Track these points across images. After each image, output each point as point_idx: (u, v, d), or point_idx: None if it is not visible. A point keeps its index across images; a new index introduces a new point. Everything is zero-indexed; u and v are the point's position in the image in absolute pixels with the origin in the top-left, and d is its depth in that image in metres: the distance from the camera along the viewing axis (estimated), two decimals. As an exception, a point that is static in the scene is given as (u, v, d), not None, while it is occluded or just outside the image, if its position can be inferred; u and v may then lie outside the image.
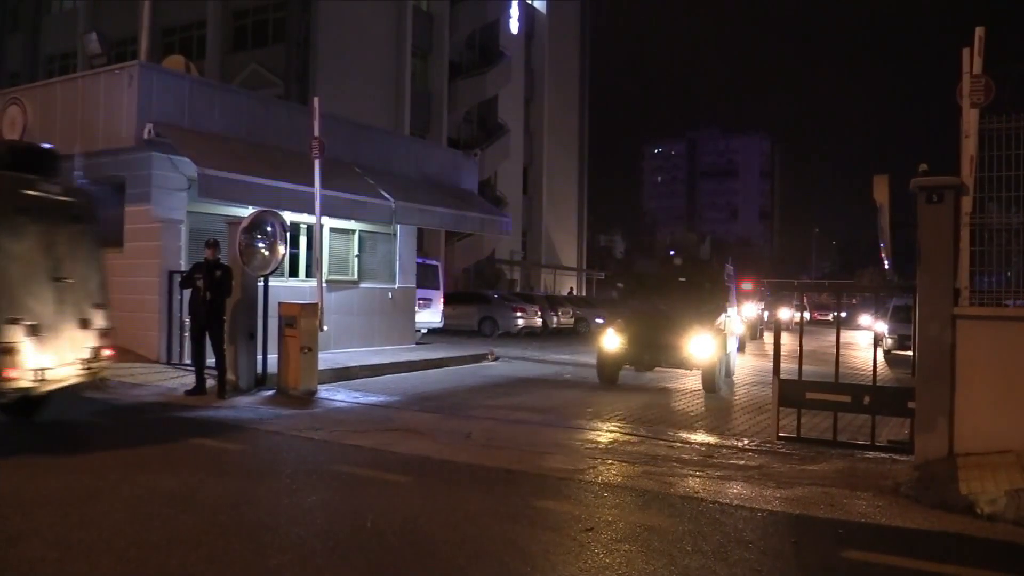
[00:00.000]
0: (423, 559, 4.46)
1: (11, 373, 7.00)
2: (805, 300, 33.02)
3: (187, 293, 10.79)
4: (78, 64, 30.43)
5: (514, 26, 40.33)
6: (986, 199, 6.93)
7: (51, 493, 5.49)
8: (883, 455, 7.52)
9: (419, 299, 19.19)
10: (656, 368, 13.34)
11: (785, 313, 22.55)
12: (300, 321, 10.69)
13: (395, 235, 17.52)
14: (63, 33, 33.92)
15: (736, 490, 6.20)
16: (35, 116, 13.68)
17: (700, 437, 8.58)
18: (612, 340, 12.62)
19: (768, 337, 25.64)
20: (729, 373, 13.97)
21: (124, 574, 4.07)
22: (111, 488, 5.69)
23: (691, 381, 13.44)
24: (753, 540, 4.93)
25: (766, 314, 25.70)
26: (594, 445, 7.91)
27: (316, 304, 11.22)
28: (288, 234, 11.23)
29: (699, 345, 12.06)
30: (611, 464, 7.04)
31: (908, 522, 5.47)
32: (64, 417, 8.47)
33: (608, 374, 12.92)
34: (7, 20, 36.45)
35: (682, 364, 12.53)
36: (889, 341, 19.56)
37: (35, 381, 7.22)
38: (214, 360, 10.38)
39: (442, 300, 21.83)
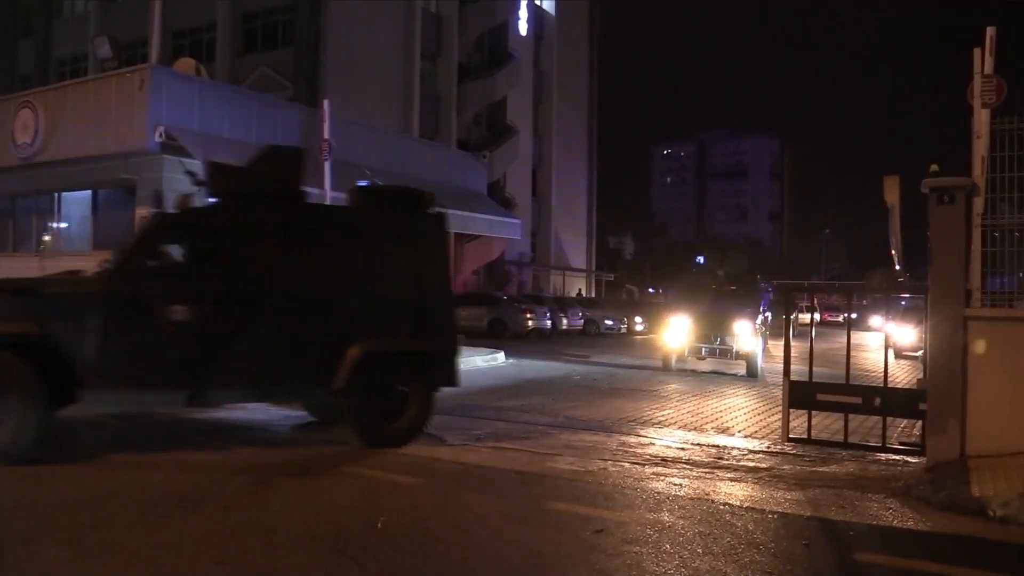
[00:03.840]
0: (433, 560, 4.47)
1: None
2: (815, 301, 32.83)
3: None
4: (89, 68, 30.65)
5: (523, 28, 40.37)
6: (998, 200, 6.90)
7: (63, 494, 5.53)
8: (894, 457, 7.49)
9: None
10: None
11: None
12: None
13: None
14: (74, 37, 34.13)
15: (747, 492, 6.18)
16: (47, 119, 13.78)
17: (710, 439, 8.56)
18: None
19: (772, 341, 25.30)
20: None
21: (136, 575, 4.09)
22: (123, 489, 5.72)
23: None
24: (764, 542, 4.92)
25: (769, 316, 25.10)
26: (604, 446, 7.90)
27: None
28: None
29: None
30: (621, 465, 7.03)
31: (919, 524, 5.45)
32: (75, 419, 8.51)
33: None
34: (19, 24, 36.69)
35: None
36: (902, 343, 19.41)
37: None
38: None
39: None
